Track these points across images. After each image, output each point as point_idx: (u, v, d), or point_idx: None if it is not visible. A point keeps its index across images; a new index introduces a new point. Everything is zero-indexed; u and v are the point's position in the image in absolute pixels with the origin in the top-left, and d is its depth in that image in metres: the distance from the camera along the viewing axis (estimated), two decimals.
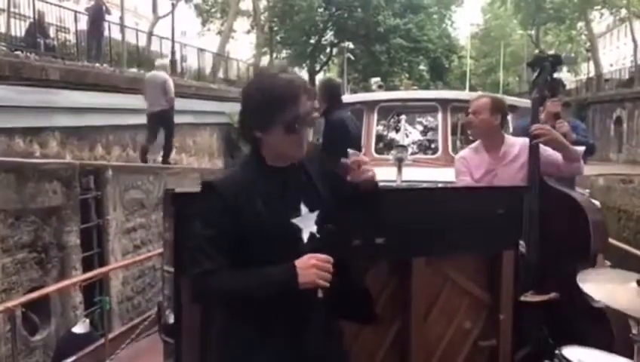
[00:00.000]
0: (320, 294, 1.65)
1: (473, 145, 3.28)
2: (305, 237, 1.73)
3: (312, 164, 1.84)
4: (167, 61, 12.31)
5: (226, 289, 1.68)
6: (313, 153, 1.90)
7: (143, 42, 19.29)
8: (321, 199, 1.77)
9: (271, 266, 1.65)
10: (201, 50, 22.80)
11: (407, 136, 5.03)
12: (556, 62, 3.14)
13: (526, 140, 3.10)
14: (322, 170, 1.86)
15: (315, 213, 1.75)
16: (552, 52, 3.69)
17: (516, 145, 3.11)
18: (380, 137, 5.28)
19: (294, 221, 1.73)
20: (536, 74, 3.12)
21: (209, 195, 1.73)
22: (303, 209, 1.74)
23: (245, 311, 1.75)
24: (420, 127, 5.58)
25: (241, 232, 1.69)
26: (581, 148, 3.11)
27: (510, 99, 5.66)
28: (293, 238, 1.72)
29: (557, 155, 2.97)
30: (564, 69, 40.00)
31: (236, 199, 1.70)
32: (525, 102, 4.68)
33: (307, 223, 1.74)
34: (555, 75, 3.25)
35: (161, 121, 10.10)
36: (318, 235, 1.75)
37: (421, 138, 5.49)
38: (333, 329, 1.85)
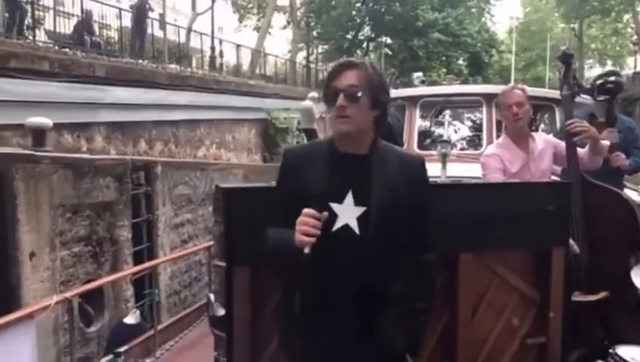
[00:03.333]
0: (306, 250, 1.65)
1: (499, 141, 3.22)
2: (339, 225, 1.74)
3: (392, 164, 1.80)
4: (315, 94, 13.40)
5: (266, 242, 1.83)
6: (411, 158, 1.92)
7: (182, 38, 19.62)
8: (372, 197, 1.75)
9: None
10: (238, 46, 23.01)
11: (454, 131, 4.96)
12: (618, 89, 3.24)
13: (545, 136, 3.07)
14: (409, 176, 1.81)
15: (361, 209, 1.75)
16: (612, 77, 3.58)
17: (538, 139, 3.08)
18: (423, 133, 5.23)
19: (333, 206, 1.75)
20: (563, 70, 3.06)
21: (282, 158, 1.88)
22: (348, 199, 1.76)
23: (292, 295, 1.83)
24: (464, 122, 5.50)
25: (291, 200, 1.78)
26: (607, 143, 3.11)
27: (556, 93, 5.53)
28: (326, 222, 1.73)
29: (582, 150, 2.95)
30: (609, 62, 38.83)
31: (296, 170, 1.81)
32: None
33: (346, 213, 1.75)
34: (614, 79, 3.22)
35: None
36: (357, 230, 1.74)
37: (465, 133, 5.42)
38: (379, 325, 1.79)
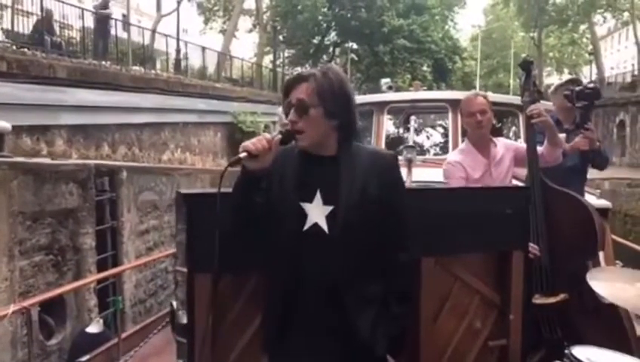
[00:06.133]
0: (242, 155, 1.75)
1: (461, 147, 3.27)
2: (309, 223, 1.78)
3: (362, 163, 1.81)
4: None
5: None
6: (383, 155, 1.93)
7: (146, 40, 19.31)
8: (339, 196, 1.77)
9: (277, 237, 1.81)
10: (203, 49, 22.79)
11: (424, 137, 5.01)
12: (597, 95, 3.31)
13: (504, 140, 3.16)
14: (381, 177, 1.82)
15: (329, 207, 1.77)
16: (591, 85, 3.78)
17: (499, 144, 3.15)
18: (390, 138, 5.27)
19: (303, 205, 1.78)
20: (523, 78, 3.16)
21: None
22: (317, 198, 1.78)
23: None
24: (432, 128, 5.58)
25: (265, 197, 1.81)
26: (564, 135, 3.23)
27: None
28: (294, 219, 1.78)
29: (540, 147, 3.04)
30: (566, 70, 40.08)
31: (271, 170, 1.81)
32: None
33: (315, 212, 1.78)
34: (593, 85, 3.33)
35: None
36: (326, 229, 1.76)
37: (433, 138, 5.50)
38: (356, 327, 1.77)
